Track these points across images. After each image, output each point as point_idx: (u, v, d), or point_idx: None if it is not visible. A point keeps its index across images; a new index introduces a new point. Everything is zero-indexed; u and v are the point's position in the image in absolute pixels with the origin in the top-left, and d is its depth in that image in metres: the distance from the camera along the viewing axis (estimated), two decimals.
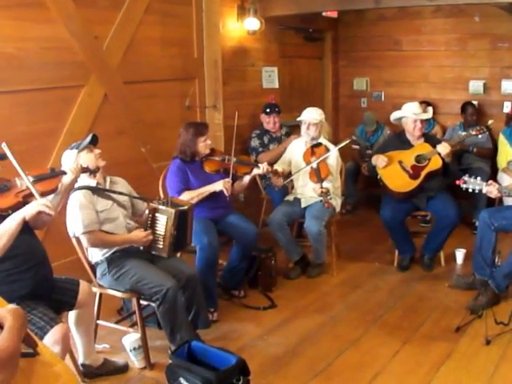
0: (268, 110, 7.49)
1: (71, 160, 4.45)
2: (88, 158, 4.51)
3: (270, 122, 7.48)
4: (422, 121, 6.29)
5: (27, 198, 3.80)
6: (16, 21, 5.30)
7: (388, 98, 9.53)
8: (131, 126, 6.47)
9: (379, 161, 6.29)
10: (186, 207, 4.76)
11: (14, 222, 3.57)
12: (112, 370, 4.50)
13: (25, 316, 2.60)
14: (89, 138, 4.57)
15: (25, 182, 3.76)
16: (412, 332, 5.08)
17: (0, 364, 2.16)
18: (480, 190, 5.20)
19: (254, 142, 7.49)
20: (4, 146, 3.77)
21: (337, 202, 6.37)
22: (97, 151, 4.59)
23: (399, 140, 6.46)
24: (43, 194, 3.81)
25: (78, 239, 4.52)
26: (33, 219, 3.69)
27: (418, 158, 6.19)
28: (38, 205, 3.61)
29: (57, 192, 4.07)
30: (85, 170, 4.36)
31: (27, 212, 3.59)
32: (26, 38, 5.39)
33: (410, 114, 6.29)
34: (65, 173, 4.13)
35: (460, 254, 6.65)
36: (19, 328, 2.44)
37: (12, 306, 2.60)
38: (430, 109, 6.88)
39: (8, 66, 5.26)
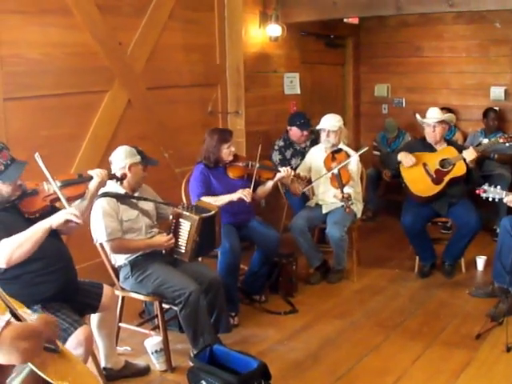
0: (302, 122, 7.29)
1: (122, 159, 4.63)
2: (138, 172, 4.72)
3: (302, 136, 7.31)
4: (439, 126, 6.27)
5: (54, 202, 3.87)
6: (41, 27, 5.37)
7: (409, 105, 9.50)
8: (154, 131, 6.52)
9: (407, 159, 6.24)
10: (212, 212, 4.80)
11: (40, 229, 3.62)
12: (133, 373, 4.55)
13: (54, 322, 2.69)
14: (155, 162, 4.94)
15: (52, 186, 3.82)
16: (432, 338, 5.08)
17: (24, 334, 2.35)
18: (500, 199, 5.18)
19: (275, 157, 7.37)
20: (37, 156, 3.82)
21: (358, 208, 6.38)
22: (145, 174, 4.81)
23: (423, 145, 6.44)
24: (70, 199, 3.87)
25: (101, 244, 4.58)
26: (59, 227, 3.76)
27: (443, 163, 6.16)
28: (66, 213, 3.67)
29: (83, 197, 4.13)
30: (112, 176, 4.43)
31: (54, 221, 3.65)
32: (50, 43, 5.46)
33: (427, 119, 6.31)
34: (92, 178, 4.19)
35: (481, 261, 6.63)
36: (45, 321, 2.58)
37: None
38: (448, 115, 6.83)
39: (33, 72, 5.34)
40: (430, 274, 6.51)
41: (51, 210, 3.87)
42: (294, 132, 7.33)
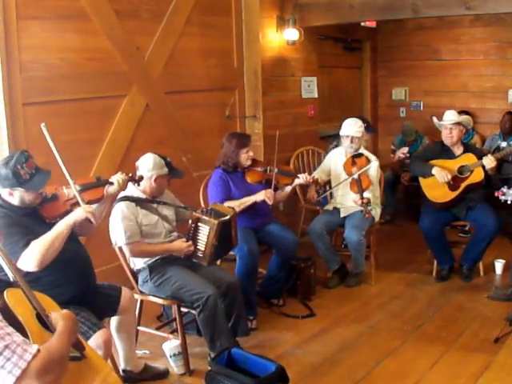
0: (365, 126, 7.27)
1: (149, 170, 4.64)
2: (162, 183, 4.77)
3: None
4: (456, 128, 6.24)
5: (74, 207, 3.91)
6: (60, 32, 5.41)
7: (427, 108, 9.48)
8: (172, 136, 6.54)
9: (442, 174, 6.14)
10: (228, 216, 4.81)
11: (65, 226, 3.72)
12: (153, 376, 4.57)
13: (76, 321, 2.71)
14: (181, 174, 4.96)
15: (72, 190, 3.86)
16: (450, 342, 5.06)
17: (50, 366, 2.31)
18: None
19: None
20: (43, 126, 3.88)
21: (376, 212, 6.38)
22: (168, 185, 4.86)
23: (441, 149, 6.41)
24: (89, 203, 3.92)
25: (120, 248, 4.60)
26: (78, 225, 3.82)
27: (461, 169, 6.13)
28: (86, 212, 3.75)
29: (102, 201, 4.18)
30: (130, 178, 4.46)
31: (77, 217, 3.76)
32: (69, 48, 5.50)
33: (443, 122, 6.31)
34: (111, 183, 4.23)
35: (499, 265, 6.59)
36: (69, 333, 2.57)
37: (65, 310, 2.72)
38: (465, 117, 6.74)
39: (51, 77, 5.37)
40: (448, 277, 6.48)
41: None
42: None
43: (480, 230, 6.23)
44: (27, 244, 3.61)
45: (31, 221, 3.78)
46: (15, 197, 3.72)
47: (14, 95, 5.06)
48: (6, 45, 4.96)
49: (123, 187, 4.36)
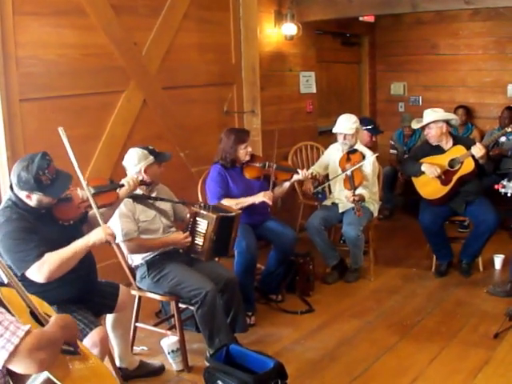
0: (372, 127, 7.47)
1: (135, 164, 4.62)
2: (154, 172, 4.71)
3: (370, 141, 7.42)
4: (435, 127, 6.22)
5: (88, 209, 3.91)
6: (56, 28, 5.39)
7: (426, 103, 9.43)
8: (170, 131, 6.52)
9: (431, 170, 6.18)
10: (233, 214, 4.81)
11: (84, 248, 3.71)
12: (148, 372, 4.58)
13: (73, 321, 2.73)
14: (168, 156, 4.83)
15: (86, 193, 3.83)
16: (449, 338, 5.05)
17: (41, 344, 2.38)
18: None
19: None
20: (61, 130, 3.85)
21: (374, 207, 6.37)
22: (162, 169, 4.80)
23: (431, 146, 6.38)
24: (102, 207, 3.92)
25: (118, 244, 4.58)
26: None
27: (452, 163, 6.13)
28: (107, 234, 3.74)
29: (114, 205, 4.20)
30: (142, 182, 4.48)
31: (97, 240, 3.73)
32: (66, 44, 5.48)
33: (421, 123, 6.37)
34: (123, 185, 4.23)
35: (498, 260, 6.58)
36: (63, 325, 2.62)
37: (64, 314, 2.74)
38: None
39: (49, 72, 5.35)
40: (447, 272, 6.48)
41: (84, 215, 4.00)
42: (363, 135, 7.24)
43: (479, 225, 6.21)
44: (41, 255, 3.56)
45: (45, 225, 3.72)
46: (33, 200, 3.66)
47: (10, 91, 5.05)
48: (3, 40, 4.94)
49: (134, 188, 4.37)
